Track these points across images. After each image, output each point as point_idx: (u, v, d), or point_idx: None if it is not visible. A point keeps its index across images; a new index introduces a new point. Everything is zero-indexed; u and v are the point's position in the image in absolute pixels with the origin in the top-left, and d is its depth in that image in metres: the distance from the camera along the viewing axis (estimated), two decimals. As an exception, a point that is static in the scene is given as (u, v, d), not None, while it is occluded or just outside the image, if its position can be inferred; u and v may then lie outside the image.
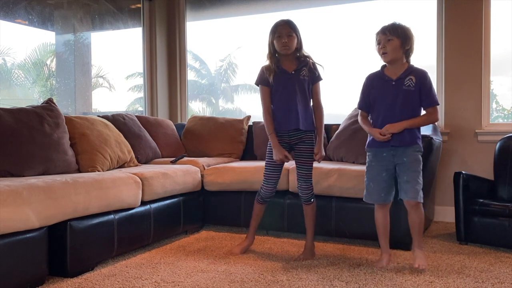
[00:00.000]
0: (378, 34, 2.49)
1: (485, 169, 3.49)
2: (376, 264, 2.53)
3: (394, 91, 2.47)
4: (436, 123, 3.00)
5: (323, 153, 2.71)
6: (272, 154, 2.67)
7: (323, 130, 2.75)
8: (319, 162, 2.75)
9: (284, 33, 2.60)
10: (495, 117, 3.97)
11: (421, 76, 2.47)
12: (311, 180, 2.71)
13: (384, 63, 2.54)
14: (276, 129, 2.66)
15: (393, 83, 2.48)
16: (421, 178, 2.47)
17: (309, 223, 2.75)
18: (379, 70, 2.58)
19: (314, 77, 2.69)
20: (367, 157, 2.59)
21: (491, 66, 3.67)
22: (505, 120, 4.00)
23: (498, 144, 3.22)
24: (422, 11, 3.97)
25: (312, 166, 2.70)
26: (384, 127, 2.45)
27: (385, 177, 2.51)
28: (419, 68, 2.51)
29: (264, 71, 2.68)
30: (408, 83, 2.46)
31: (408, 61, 2.52)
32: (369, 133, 2.56)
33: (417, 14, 4.02)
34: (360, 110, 2.64)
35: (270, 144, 2.70)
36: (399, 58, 2.47)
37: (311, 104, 2.74)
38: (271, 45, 2.66)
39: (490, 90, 3.74)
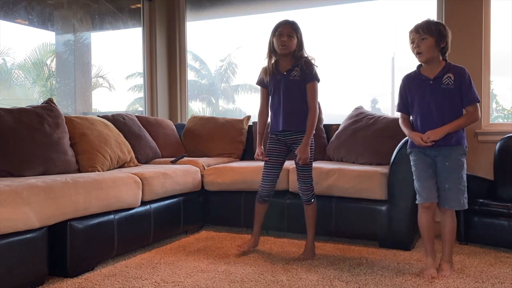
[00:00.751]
0: (411, 32, 2.37)
1: (485, 169, 3.49)
2: (423, 272, 2.36)
3: (432, 91, 2.36)
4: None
5: (308, 155, 2.61)
6: (269, 152, 2.73)
7: (313, 132, 2.64)
8: (300, 164, 2.66)
9: (285, 32, 2.60)
10: (495, 117, 3.97)
11: (460, 73, 2.37)
12: (311, 181, 2.71)
13: (420, 63, 2.45)
14: (270, 128, 2.74)
15: (431, 82, 2.37)
16: (464, 183, 2.35)
17: (309, 223, 2.75)
18: (415, 70, 2.47)
19: (306, 77, 2.62)
20: (411, 159, 2.46)
21: (491, 66, 3.67)
22: (505, 120, 4.00)
23: (498, 144, 3.22)
24: (422, 11, 3.97)
25: (310, 167, 2.70)
26: (425, 134, 2.32)
27: (432, 174, 2.37)
28: (457, 65, 2.41)
29: (262, 72, 2.72)
30: (446, 81, 2.35)
31: (444, 59, 2.42)
32: (410, 138, 2.45)
33: (417, 14, 4.02)
34: (400, 113, 2.54)
35: (268, 143, 2.75)
36: (435, 57, 2.38)
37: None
38: (271, 43, 2.66)
39: (490, 90, 3.74)
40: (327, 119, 3.86)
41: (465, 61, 3.66)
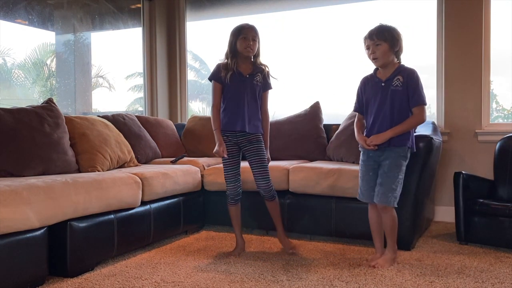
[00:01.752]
0: (365, 39, 2.50)
1: (485, 169, 3.49)
2: (369, 262, 2.54)
3: (383, 92, 2.49)
4: (436, 123, 2.94)
5: (270, 159, 2.81)
6: (228, 154, 2.73)
7: (268, 136, 2.82)
8: (267, 164, 2.79)
9: (250, 36, 2.66)
10: (495, 117, 3.97)
11: (409, 75, 2.46)
12: (269, 177, 2.74)
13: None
14: (223, 128, 2.72)
15: (383, 84, 2.50)
16: (397, 183, 2.46)
17: (276, 218, 2.81)
18: (371, 73, 2.61)
19: (266, 85, 2.77)
20: (360, 159, 2.63)
21: (491, 66, 3.67)
22: (505, 120, 3.99)
23: (498, 144, 3.22)
24: (422, 11, 3.97)
25: (267, 163, 2.75)
26: (369, 139, 2.49)
27: (373, 177, 2.53)
28: (408, 67, 2.51)
29: (221, 69, 2.72)
30: (396, 83, 2.47)
31: (399, 61, 2.52)
32: (357, 140, 2.60)
33: (417, 14, 4.02)
34: (356, 113, 2.68)
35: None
36: (390, 61, 2.49)
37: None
38: (233, 45, 2.69)
39: (490, 90, 3.74)
40: (327, 119, 3.86)
41: (465, 61, 3.68)
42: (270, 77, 2.79)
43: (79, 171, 2.94)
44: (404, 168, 2.50)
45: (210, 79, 2.77)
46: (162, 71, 4.79)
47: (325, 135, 3.76)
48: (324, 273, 2.39)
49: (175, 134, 4.17)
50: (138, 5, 4.73)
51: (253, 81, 2.71)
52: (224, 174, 2.78)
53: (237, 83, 2.69)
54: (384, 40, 2.43)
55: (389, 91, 2.47)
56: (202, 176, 3.44)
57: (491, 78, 3.71)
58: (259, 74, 2.73)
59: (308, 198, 3.11)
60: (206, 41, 5.12)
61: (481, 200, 2.91)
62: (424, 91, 2.49)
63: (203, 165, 3.50)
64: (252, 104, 2.72)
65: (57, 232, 2.26)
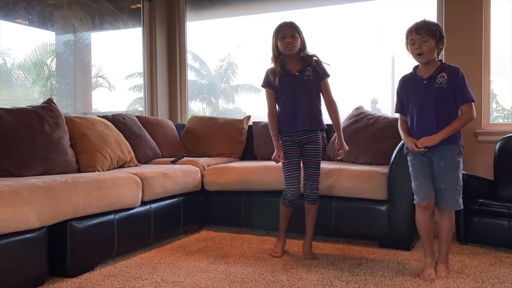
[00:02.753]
0: (410, 33, 2.35)
1: (485, 169, 3.49)
2: (422, 273, 2.35)
3: (426, 91, 2.35)
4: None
5: (346, 147, 2.71)
6: (287, 154, 2.68)
7: (340, 125, 2.73)
8: (344, 157, 2.75)
9: (288, 33, 2.61)
10: (495, 117, 3.97)
11: (453, 72, 2.35)
12: (319, 180, 2.71)
13: (417, 64, 2.44)
14: (284, 130, 2.68)
15: (425, 82, 2.36)
16: (460, 183, 2.34)
17: (312, 222, 2.75)
18: (411, 71, 2.47)
19: (319, 75, 2.68)
20: (408, 160, 2.46)
21: (491, 66, 3.67)
22: (505, 120, 3.99)
23: (498, 144, 3.22)
24: (422, 11, 3.97)
25: (319, 166, 2.70)
26: (419, 141, 2.33)
27: (430, 174, 2.36)
28: (452, 65, 2.40)
29: (269, 74, 2.69)
30: (440, 80, 2.34)
31: (439, 59, 2.42)
32: (404, 142, 2.45)
33: (417, 14, 4.02)
34: (399, 114, 2.54)
35: (283, 145, 2.70)
36: (433, 58, 2.37)
37: (322, 101, 2.73)
38: (275, 47, 2.66)
39: (490, 90, 3.74)
40: (327, 119, 3.85)
41: (465, 61, 3.67)
42: (323, 65, 2.69)
43: (79, 171, 2.94)
44: (462, 165, 2.37)
45: (262, 86, 2.75)
46: (162, 71, 4.79)
47: (325, 135, 3.76)
48: (324, 273, 2.39)
49: (175, 134, 4.17)
50: (138, 5, 4.73)
51: (304, 77, 2.65)
52: (285, 175, 2.70)
53: (288, 83, 2.65)
54: (432, 36, 2.32)
55: (433, 89, 2.34)
56: (202, 176, 3.44)
57: (491, 78, 3.71)
58: (309, 68, 2.65)
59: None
60: (206, 41, 5.13)
61: (481, 200, 2.91)
62: (470, 88, 2.39)
63: (203, 165, 3.50)
64: (308, 100, 2.65)
65: (57, 232, 2.26)
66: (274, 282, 2.24)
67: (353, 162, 3.36)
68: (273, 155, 2.69)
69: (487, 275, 2.35)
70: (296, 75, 2.66)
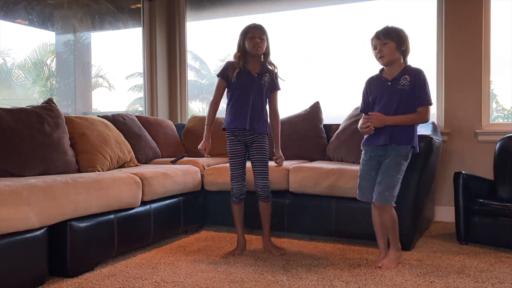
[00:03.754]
0: (372, 39, 2.53)
1: (485, 169, 3.49)
2: (374, 263, 2.54)
3: (389, 92, 2.50)
4: (436, 123, 2.95)
5: (283, 157, 2.83)
6: (232, 153, 2.75)
7: (279, 136, 2.83)
8: (280, 166, 2.86)
9: (257, 34, 2.69)
10: (495, 117, 3.97)
11: (415, 74, 2.48)
12: (268, 177, 2.76)
13: (382, 66, 2.58)
14: (228, 125, 2.74)
15: (389, 83, 2.51)
16: (395, 182, 2.47)
17: (266, 220, 2.82)
18: (377, 73, 2.61)
19: (274, 85, 2.78)
20: (361, 158, 2.63)
21: (491, 66, 3.67)
22: (505, 120, 3.99)
23: (498, 144, 3.22)
24: (422, 11, 3.97)
25: (267, 163, 2.77)
26: (372, 113, 2.50)
27: (374, 177, 2.53)
28: (415, 67, 2.52)
29: (229, 66, 2.75)
30: (403, 82, 2.48)
31: (405, 62, 2.54)
32: (360, 130, 2.60)
33: (417, 14, 4.02)
34: (363, 114, 2.65)
35: (229, 143, 2.76)
36: (397, 60, 2.50)
37: (268, 111, 2.81)
38: (241, 45, 2.72)
39: (490, 90, 3.74)
40: (327, 119, 3.86)
41: (465, 61, 3.68)
42: (279, 78, 2.80)
43: (79, 171, 2.94)
44: (403, 167, 2.50)
45: (218, 75, 2.80)
46: (162, 71, 4.79)
47: (325, 135, 3.76)
48: (324, 273, 2.39)
49: (175, 134, 4.17)
50: (138, 5, 4.73)
51: (261, 81, 2.72)
52: (231, 173, 2.78)
53: (244, 82, 2.71)
54: (391, 39, 2.46)
55: (396, 90, 2.48)
56: (202, 176, 3.44)
57: (491, 78, 3.71)
58: (267, 74, 2.74)
59: (308, 198, 3.11)
60: (206, 41, 5.12)
61: (481, 200, 2.91)
62: (430, 91, 2.50)
63: (203, 165, 3.50)
64: (259, 104, 2.73)
65: (57, 232, 2.26)
66: (274, 282, 2.24)
67: (353, 162, 3.36)
68: (201, 144, 2.74)
69: (487, 275, 2.35)
70: (254, 76, 2.72)
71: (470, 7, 3.64)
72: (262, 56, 2.75)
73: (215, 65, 8.29)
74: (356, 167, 3.03)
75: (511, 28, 3.69)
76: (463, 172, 3.03)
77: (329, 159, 3.59)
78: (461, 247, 2.93)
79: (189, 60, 5.74)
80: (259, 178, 2.75)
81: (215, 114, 2.80)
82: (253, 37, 2.67)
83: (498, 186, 3.12)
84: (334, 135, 3.65)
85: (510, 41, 3.70)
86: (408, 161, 2.52)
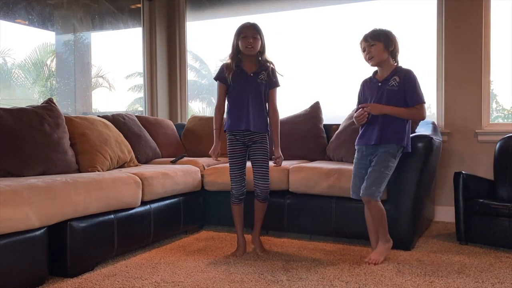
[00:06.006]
0: (361, 43, 2.61)
1: (485, 169, 3.49)
2: (365, 259, 2.58)
3: (379, 92, 2.58)
4: (436, 123, 2.99)
5: (282, 157, 2.80)
6: (232, 154, 2.74)
7: (279, 134, 2.80)
8: (279, 166, 2.83)
9: (250, 34, 2.67)
10: (495, 117, 3.97)
11: (405, 75, 2.54)
12: (268, 178, 2.75)
13: (376, 69, 2.65)
14: (230, 127, 2.73)
15: (379, 84, 2.58)
16: (382, 178, 2.53)
17: (259, 219, 2.82)
18: (371, 75, 2.70)
19: (272, 82, 2.75)
20: (355, 154, 2.71)
21: (491, 66, 3.67)
22: (505, 120, 3.99)
23: (498, 144, 3.22)
24: (422, 11, 3.97)
25: (268, 164, 2.76)
26: (366, 104, 2.57)
27: (365, 175, 2.60)
28: (404, 68, 2.59)
29: (224, 69, 2.74)
30: (392, 83, 2.55)
31: (396, 62, 2.61)
32: (355, 122, 2.67)
33: (417, 14, 4.02)
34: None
35: (229, 144, 2.75)
36: (385, 60, 2.57)
37: (267, 108, 2.79)
38: (235, 46, 2.72)
39: (490, 90, 3.74)
40: (327, 119, 3.86)
41: (465, 61, 3.68)
42: (277, 74, 2.76)
43: (79, 171, 2.94)
44: (392, 165, 2.55)
45: (215, 79, 2.80)
46: (162, 71, 4.79)
47: (325, 135, 3.76)
48: (324, 273, 2.39)
49: (175, 134, 4.17)
50: (138, 5, 4.73)
51: (257, 80, 2.71)
52: (230, 173, 2.78)
53: (241, 82, 2.70)
54: (378, 40, 2.54)
55: (385, 91, 2.55)
56: (202, 176, 3.44)
57: (491, 78, 3.71)
58: (264, 72, 2.72)
59: (308, 198, 3.11)
60: (206, 41, 5.12)
61: (481, 200, 2.91)
62: (422, 90, 2.56)
63: (203, 165, 3.50)
64: (257, 103, 2.71)
65: (57, 232, 2.26)
66: (274, 282, 2.24)
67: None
68: (211, 150, 2.76)
69: (487, 275, 2.35)
70: (250, 75, 2.71)
71: (470, 7, 3.64)
72: (259, 55, 2.74)
73: (215, 65, 8.29)
74: (356, 167, 3.04)
75: (511, 28, 3.69)
76: (463, 172, 3.03)
77: (329, 159, 3.59)
78: (461, 247, 2.93)
79: (189, 60, 5.74)
80: (259, 179, 2.73)
81: (221, 118, 2.77)
82: (246, 37, 2.66)
83: (498, 186, 3.12)
84: (334, 135, 3.65)
85: (510, 41, 3.70)
86: (397, 160, 2.59)
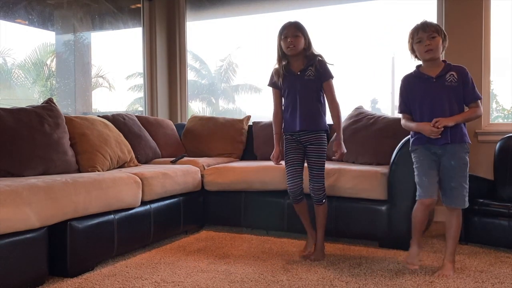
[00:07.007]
0: (417, 32, 2.40)
1: (485, 169, 3.49)
2: (407, 261, 2.44)
3: (437, 89, 2.38)
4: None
5: (344, 150, 2.70)
6: (287, 151, 2.71)
7: (341, 126, 2.72)
8: (340, 159, 2.76)
9: (290, 33, 2.61)
10: (495, 117, 3.97)
11: (463, 72, 2.41)
12: (323, 181, 2.69)
13: (419, 63, 2.48)
14: (286, 129, 2.72)
15: (434, 80, 2.39)
16: (467, 181, 2.37)
17: (320, 223, 2.72)
18: (415, 70, 2.49)
19: (322, 75, 2.64)
20: (413, 157, 2.46)
21: (491, 66, 3.67)
22: (505, 120, 3.99)
23: (498, 144, 3.22)
24: (422, 11, 3.97)
25: (323, 167, 2.68)
26: (436, 120, 2.31)
27: (436, 172, 2.39)
28: (456, 64, 2.46)
29: (273, 74, 2.72)
30: (450, 78, 2.39)
31: (442, 59, 2.48)
32: (418, 131, 2.41)
33: (417, 14, 4.02)
34: (402, 114, 2.53)
35: (285, 144, 2.73)
36: (439, 55, 2.43)
37: (326, 102, 2.71)
38: (279, 47, 2.67)
39: (490, 90, 3.74)
40: (327, 119, 3.85)
41: (465, 60, 3.66)
42: (327, 65, 2.66)
43: (79, 171, 2.94)
44: (469, 164, 2.40)
45: (268, 85, 2.78)
46: (162, 71, 4.79)
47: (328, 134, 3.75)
48: (324, 273, 2.39)
49: (175, 134, 4.17)
50: (138, 5, 4.73)
51: (305, 77, 2.64)
52: (287, 172, 2.70)
53: (290, 83, 2.66)
54: (438, 33, 2.39)
55: (444, 87, 2.38)
56: (202, 176, 3.44)
57: (491, 78, 3.71)
58: (311, 68, 2.64)
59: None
60: (206, 41, 5.13)
61: (481, 200, 2.91)
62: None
63: (203, 165, 3.50)
64: (307, 101, 2.64)
65: (57, 232, 2.26)
66: (274, 282, 2.24)
67: (353, 162, 3.36)
68: (271, 154, 2.77)
69: (487, 275, 2.35)
70: (297, 74, 2.66)
71: (470, 7, 3.64)
72: (304, 52, 2.66)
73: (215, 65, 8.30)
74: (356, 167, 3.04)
75: (511, 28, 3.69)
76: (463, 172, 3.02)
77: (329, 158, 3.59)
78: (461, 247, 2.92)
79: (189, 60, 5.74)
80: (310, 180, 2.68)
81: (279, 122, 2.75)
82: (286, 37, 2.61)
83: (498, 186, 3.12)
84: (334, 135, 3.64)
85: (510, 41, 3.70)
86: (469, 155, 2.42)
